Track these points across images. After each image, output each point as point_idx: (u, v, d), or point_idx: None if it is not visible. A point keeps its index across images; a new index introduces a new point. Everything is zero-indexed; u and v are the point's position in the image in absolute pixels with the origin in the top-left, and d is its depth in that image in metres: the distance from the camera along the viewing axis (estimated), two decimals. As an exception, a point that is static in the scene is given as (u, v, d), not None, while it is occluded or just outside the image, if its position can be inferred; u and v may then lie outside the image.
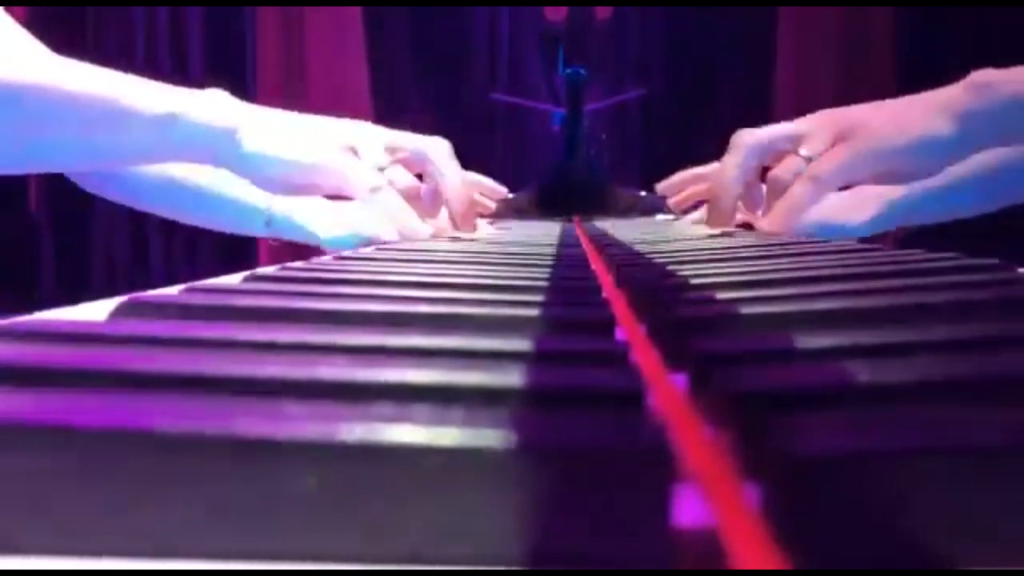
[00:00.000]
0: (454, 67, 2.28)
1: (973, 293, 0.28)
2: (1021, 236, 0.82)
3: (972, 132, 0.61)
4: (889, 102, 0.66)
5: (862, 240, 0.74)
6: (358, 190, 0.65)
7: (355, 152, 0.68)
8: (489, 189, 1.06)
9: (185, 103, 0.62)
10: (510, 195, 1.13)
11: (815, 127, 0.67)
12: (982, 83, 0.61)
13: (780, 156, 0.69)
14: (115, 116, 0.60)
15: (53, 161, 0.69)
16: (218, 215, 0.87)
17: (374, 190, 0.65)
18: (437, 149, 0.73)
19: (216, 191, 0.83)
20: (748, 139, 0.69)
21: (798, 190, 0.64)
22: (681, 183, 1.04)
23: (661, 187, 1.08)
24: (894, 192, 0.78)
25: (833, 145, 0.64)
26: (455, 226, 0.72)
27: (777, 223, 0.66)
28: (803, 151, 0.66)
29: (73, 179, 0.84)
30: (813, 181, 0.63)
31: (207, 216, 0.90)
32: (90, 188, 0.85)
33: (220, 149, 0.63)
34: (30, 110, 0.59)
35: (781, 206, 0.65)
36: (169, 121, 0.61)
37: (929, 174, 0.65)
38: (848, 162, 0.63)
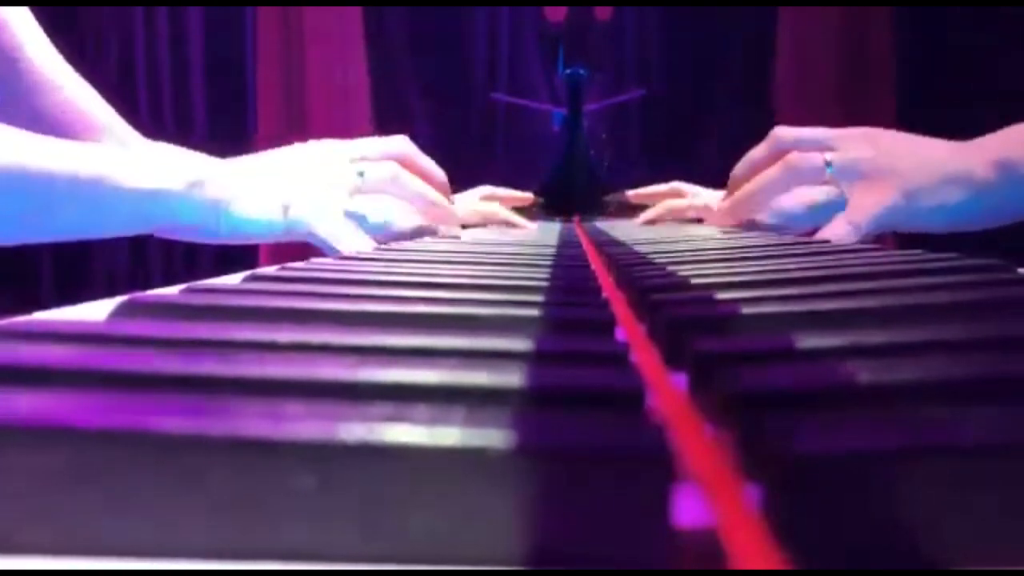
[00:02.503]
0: (454, 67, 2.28)
1: (973, 293, 0.28)
2: (1021, 236, 0.82)
3: (997, 208, 0.66)
4: (927, 148, 0.71)
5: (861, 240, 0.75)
6: (338, 246, 0.68)
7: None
8: (513, 198, 1.10)
9: (164, 178, 0.60)
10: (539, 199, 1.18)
11: (851, 147, 0.72)
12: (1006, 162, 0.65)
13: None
14: (99, 196, 0.58)
15: (32, 239, 0.65)
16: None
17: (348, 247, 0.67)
18: (392, 181, 0.75)
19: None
20: (798, 166, 0.73)
21: (841, 232, 0.69)
22: (648, 196, 1.10)
23: (633, 194, 1.14)
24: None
25: (863, 180, 0.69)
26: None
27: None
28: (827, 156, 0.71)
29: None
30: (854, 226, 0.69)
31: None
32: None
33: (207, 223, 0.63)
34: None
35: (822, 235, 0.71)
36: (151, 197, 0.60)
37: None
38: (881, 216, 0.69)
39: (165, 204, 0.60)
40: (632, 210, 1.33)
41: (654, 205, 1.12)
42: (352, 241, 0.68)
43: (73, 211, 0.58)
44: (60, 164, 0.56)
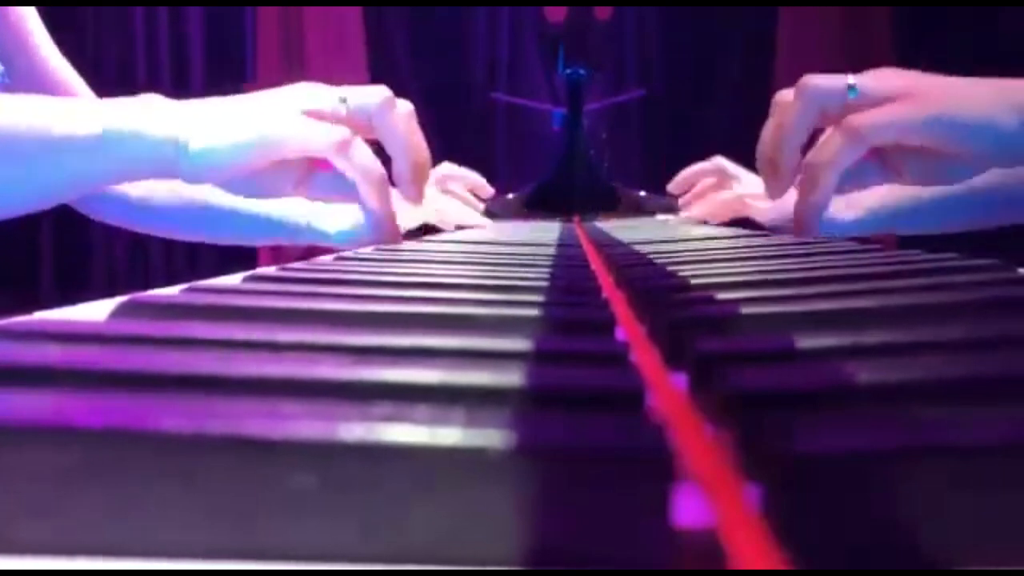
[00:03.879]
0: (454, 67, 2.28)
1: (973, 293, 0.28)
2: (1021, 236, 0.82)
3: None
4: (960, 80, 0.60)
5: (862, 240, 0.74)
6: (324, 148, 0.61)
7: (320, 116, 0.64)
8: (475, 184, 1.07)
9: (118, 118, 0.58)
10: (508, 196, 1.15)
11: (874, 81, 0.62)
12: None
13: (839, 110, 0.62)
14: (50, 147, 0.57)
15: None
16: (228, 230, 0.86)
17: (341, 146, 0.61)
18: (380, 105, 0.66)
19: (231, 206, 0.81)
20: (812, 88, 0.64)
21: (831, 143, 0.59)
22: (692, 176, 1.06)
23: (673, 187, 1.11)
24: (887, 197, 0.77)
25: (884, 102, 0.59)
26: (404, 191, 0.67)
27: (805, 186, 0.61)
28: (851, 78, 0.62)
29: (74, 206, 0.81)
30: (847, 133, 0.58)
31: (213, 233, 0.89)
32: (91, 214, 0.84)
33: (166, 157, 0.59)
34: None
35: (810, 160, 0.61)
36: (107, 140, 0.57)
37: (978, 168, 0.59)
38: (892, 121, 0.58)
39: (113, 151, 0.58)
40: (637, 210, 1.33)
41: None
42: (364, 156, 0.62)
43: (12, 171, 0.56)
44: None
